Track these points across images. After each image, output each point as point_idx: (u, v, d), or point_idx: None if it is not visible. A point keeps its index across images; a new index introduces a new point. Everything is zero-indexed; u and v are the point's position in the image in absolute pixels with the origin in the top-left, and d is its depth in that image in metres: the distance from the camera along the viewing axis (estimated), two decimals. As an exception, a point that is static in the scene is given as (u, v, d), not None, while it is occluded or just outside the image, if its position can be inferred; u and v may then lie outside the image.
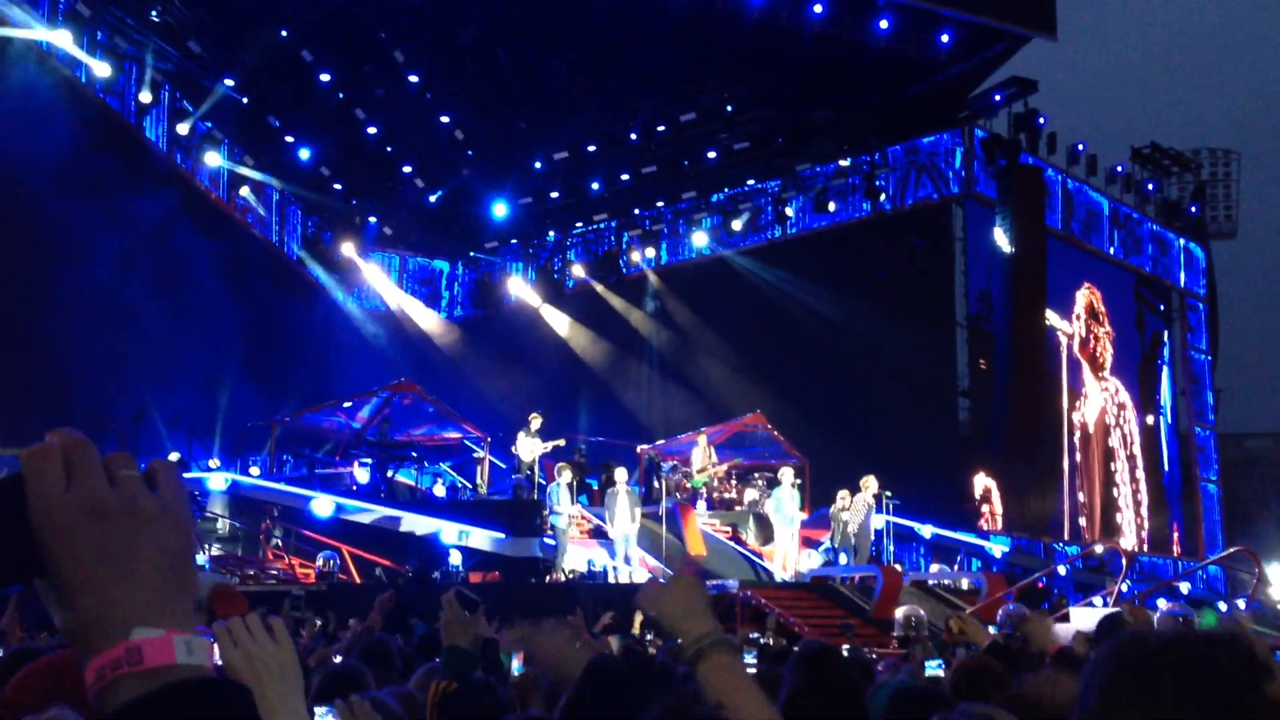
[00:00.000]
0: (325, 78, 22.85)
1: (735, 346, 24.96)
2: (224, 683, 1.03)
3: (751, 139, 24.78)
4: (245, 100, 22.90)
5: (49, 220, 18.56)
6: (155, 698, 0.98)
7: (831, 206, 24.47)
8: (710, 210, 26.24)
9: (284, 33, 21.62)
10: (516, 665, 4.90)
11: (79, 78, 20.73)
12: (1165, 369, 29.24)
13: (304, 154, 24.24)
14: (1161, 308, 29.35)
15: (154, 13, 20.89)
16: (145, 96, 21.14)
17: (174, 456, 18.25)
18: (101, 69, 20.03)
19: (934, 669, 5.09)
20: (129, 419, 18.08)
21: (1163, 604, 14.30)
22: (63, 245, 18.64)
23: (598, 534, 17.99)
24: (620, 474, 17.21)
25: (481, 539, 17.32)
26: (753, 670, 5.59)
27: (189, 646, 1.01)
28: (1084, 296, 26.95)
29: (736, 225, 25.65)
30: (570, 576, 16.88)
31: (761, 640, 10.39)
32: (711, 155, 24.99)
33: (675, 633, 2.31)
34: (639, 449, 20.72)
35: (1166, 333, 29.41)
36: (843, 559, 17.23)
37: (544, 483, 18.11)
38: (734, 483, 20.45)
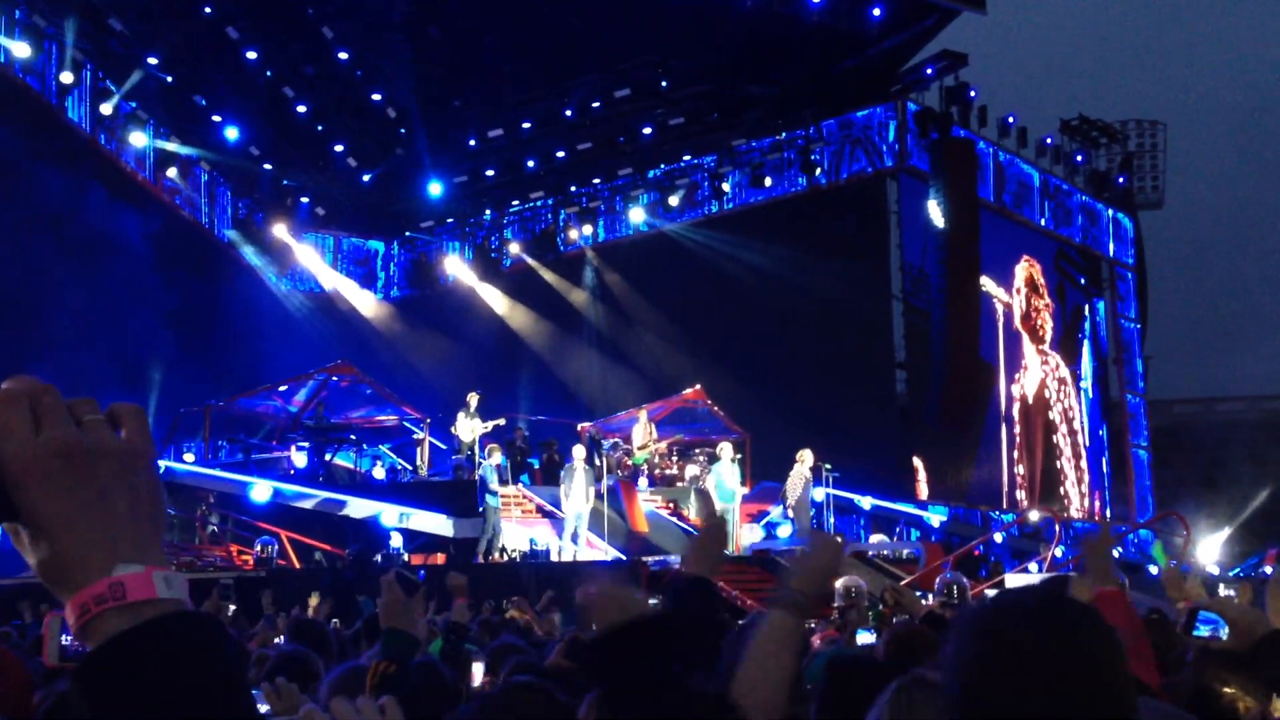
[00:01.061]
0: (252, 55, 22.38)
1: (674, 322, 24.97)
2: (202, 615, 1.06)
3: (687, 115, 24.74)
4: (170, 79, 22.40)
5: None
6: (139, 631, 1.02)
7: (768, 181, 24.52)
8: (647, 186, 26.17)
9: (208, 9, 21.17)
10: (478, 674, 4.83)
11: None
12: (1085, 341, 29.71)
13: (232, 133, 23.70)
14: (1082, 280, 29.77)
15: (72, -11, 20.35)
16: (66, 77, 20.60)
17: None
18: (20, 49, 19.48)
19: (865, 636, 5.16)
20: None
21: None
22: None
23: (546, 513, 17.95)
24: (579, 451, 17.09)
25: (423, 521, 17.23)
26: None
27: (168, 581, 1.05)
28: (1024, 269, 27.28)
29: (673, 201, 25.62)
30: (512, 556, 16.85)
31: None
32: (647, 131, 24.90)
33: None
34: (580, 427, 20.68)
35: (1087, 305, 29.87)
36: (784, 530, 17.37)
37: (483, 462, 18.04)
38: (675, 459, 20.50)
